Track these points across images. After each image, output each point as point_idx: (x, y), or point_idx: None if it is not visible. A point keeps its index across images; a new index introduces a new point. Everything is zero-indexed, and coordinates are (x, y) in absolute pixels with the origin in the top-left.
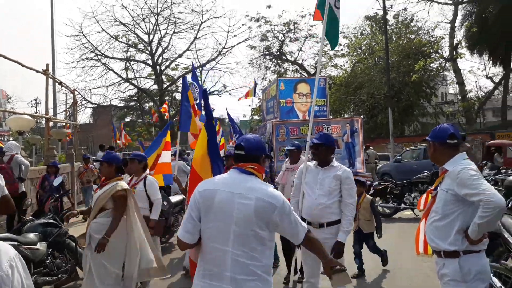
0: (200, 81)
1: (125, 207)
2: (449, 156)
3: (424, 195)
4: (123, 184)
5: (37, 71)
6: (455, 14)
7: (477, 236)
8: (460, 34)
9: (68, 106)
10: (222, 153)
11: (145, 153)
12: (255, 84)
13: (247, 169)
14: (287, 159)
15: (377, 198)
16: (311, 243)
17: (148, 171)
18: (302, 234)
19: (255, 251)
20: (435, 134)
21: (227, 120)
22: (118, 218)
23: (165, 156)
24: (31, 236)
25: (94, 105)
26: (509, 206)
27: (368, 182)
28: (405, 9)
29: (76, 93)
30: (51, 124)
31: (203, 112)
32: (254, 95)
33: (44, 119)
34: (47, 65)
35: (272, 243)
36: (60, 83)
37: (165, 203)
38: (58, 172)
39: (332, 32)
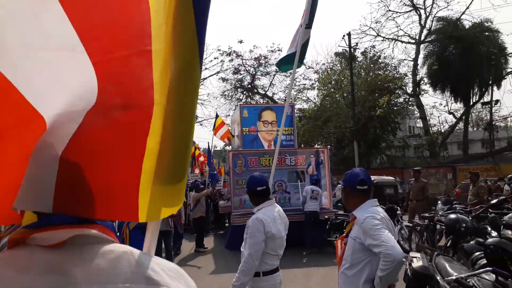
0: None
1: None
2: (358, 202)
3: (339, 242)
4: None
5: None
6: (417, 53)
7: (383, 287)
8: (422, 72)
9: None
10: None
11: None
12: (216, 116)
13: None
14: None
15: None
16: None
17: None
18: None
19: None
20: (346, 179)
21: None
22: None
23: None
24: None
25: None
26: (448, 245)
27: (326, 217)
28: (373, 47)
29: None
30: None
31: None
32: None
33: None
34: None
35: None
36: None
37: None
38: None
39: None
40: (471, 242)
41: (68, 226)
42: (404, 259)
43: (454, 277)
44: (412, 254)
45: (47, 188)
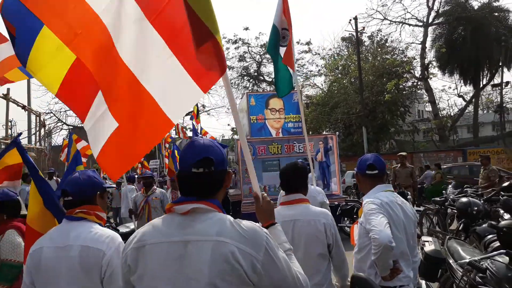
0: None
1: None
2: (368, 187)
3: (355, 226)
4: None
5: None
6: (425, 36)
7: (381, 272)
8: (431, 55)
9: (37, 130)
10: None
11: None
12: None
13: (75, 215)
14: None
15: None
16: None
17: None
18: None
19: None
20: (357, 165)
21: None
22: None
23: None
24: None
25: (70, 127)
26: (460, 228)
27: (336, 203)
28: (379, 30)
29: (51, 115)
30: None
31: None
32: (197, 117)
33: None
34: (8, 89)
35: None
36: (24, 107)
37: None
38: None
39: (281, 77)
40: (484, 225)
41: (190, 202)
42: (393, 244)
43: (467, 260)
44: (424, 238)
45: None
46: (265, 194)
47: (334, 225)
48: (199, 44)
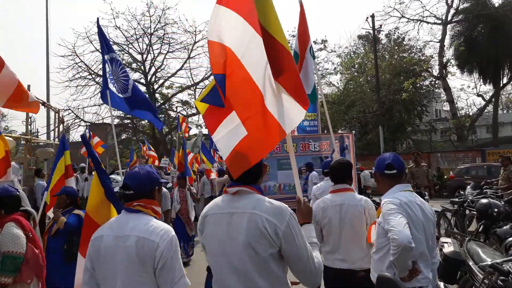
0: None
1: None
2: (387, 187)
3: (373, 226)
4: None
5: None
6: (443, 34)
7: (400, 273)
8: (449, 53)
9: (56, 126)
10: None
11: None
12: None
13: (134, 208)
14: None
15: None
16: None
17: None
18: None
19: None
20: (376, 164)
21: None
22: None
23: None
24: None
25: (87, 123)
26: (480, 230)
27: None
28: (397, 28)
29: (69, 111)
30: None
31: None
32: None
33: (30, 139)
34: (29, 85)
35: None
36: (43, 103)
37: None
38: None
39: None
40: (505, 227)
41: (236, 186)
42: (412, 245)
43: (489, 263)
44: (443, 239)
45: None
46: (306, 200)
47: (373, 209)
48: (295, 75)
